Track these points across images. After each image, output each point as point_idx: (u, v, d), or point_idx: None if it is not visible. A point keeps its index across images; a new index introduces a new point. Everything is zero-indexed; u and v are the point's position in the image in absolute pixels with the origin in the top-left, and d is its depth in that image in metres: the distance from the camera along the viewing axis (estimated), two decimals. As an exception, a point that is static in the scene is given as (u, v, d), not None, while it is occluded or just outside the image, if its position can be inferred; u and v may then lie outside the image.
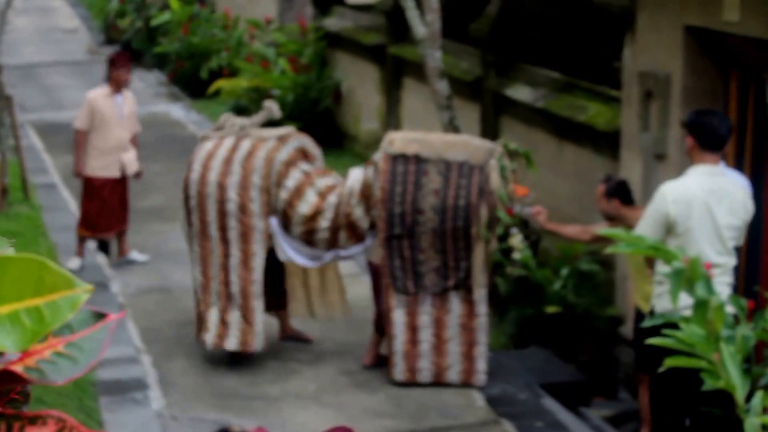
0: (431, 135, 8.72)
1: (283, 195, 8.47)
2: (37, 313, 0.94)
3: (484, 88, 12.08)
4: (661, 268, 6.69)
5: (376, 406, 8.09)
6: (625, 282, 9.03)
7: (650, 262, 6.87)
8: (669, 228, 6.67)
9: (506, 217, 8.04)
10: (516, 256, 8.27)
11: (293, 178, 8.49)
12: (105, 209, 10.68)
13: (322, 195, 8.46)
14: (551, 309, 9.14)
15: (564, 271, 9.33)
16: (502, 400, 8.21)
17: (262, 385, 8.46)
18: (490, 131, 12.12)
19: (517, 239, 8.14)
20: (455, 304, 8.23)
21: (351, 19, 15.86)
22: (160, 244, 11.52)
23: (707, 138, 6.68)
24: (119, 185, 10.75)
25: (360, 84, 15.27)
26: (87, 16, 27.05)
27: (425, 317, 8.27)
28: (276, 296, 9.03)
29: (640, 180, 8.70)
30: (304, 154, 8.68)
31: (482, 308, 8.26)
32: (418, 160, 8.21)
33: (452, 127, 10.19)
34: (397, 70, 14.18)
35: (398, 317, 8.29)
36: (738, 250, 7.45)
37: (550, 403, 8.25)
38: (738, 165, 8.06)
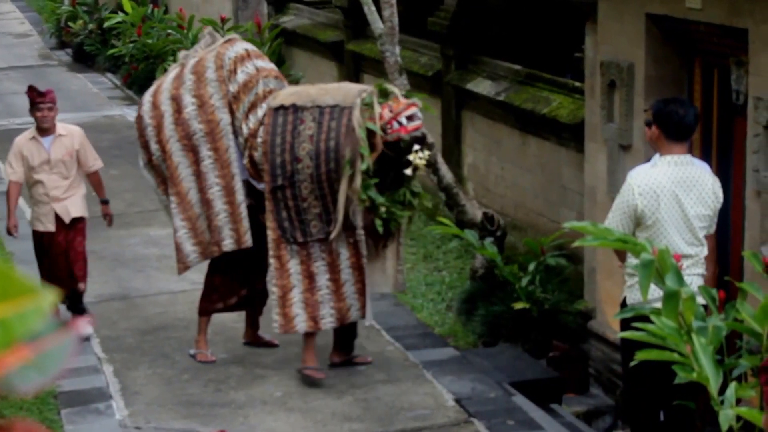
0: (310, 86, 8.72)
1: (232, 88, 8.43)
2: (2, 322, 0.93)
3: (444, 82, 11.95)
4: (632, 260, 6.58)
5: (344, 410, 7.94)
6: (593, 275, 8.92)
7: (621, 255, 6.77)
8: (637, 220, 6.59)
9: (367, 151, 7.86)
10: (422, 172, 8.14)
11: (243, 72, 8.46)
12: (51, 265, 9.23)
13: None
14: (519, 305, 9.01)
15: (531, 267, 9.20)
16: (473, 400, 8.07)
17: (227, 392, 8.29)
18: (451, 126, 11.99)
19: (416, 156, 7.97)
20: (342, 247, 8.16)
21: (307, 17, 15.70)
22: (119, 250, 11.31)
23: (673, 128, 6.59)
24: (60, 238, 9.18)
25: (318, 81, 15.06)
26: (38, 20, 26.75)
27: (319, 263, 8.20)
28: (251, 292, 8.86)
29: (605, 171, 8.59)
30: (257, 56, 8.69)
31: (363, 249, 8.16)
32: (296, 109, 8.20)
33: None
34: (355, 67, 14.02)
35: (293, 267, 8.22)
36: (723, 239, 7.37)
37: (522, 401, 8.12)
38: (705, 152, 7.97)
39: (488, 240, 9.56)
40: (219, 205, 8.46)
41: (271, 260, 8.29)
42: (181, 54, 9.09)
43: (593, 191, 8.88)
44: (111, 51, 19.23)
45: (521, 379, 8.48)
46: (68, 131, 9.30)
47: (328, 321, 8.29)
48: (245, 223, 8.43)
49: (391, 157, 8.03)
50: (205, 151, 8.45)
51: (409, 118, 8.01)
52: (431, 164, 10.04)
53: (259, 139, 8.27)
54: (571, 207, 9.91)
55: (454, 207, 10.05)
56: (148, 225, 12.07)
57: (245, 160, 8.43)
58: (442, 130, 12.05)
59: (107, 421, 7.89)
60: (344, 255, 8.19)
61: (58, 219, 9.15)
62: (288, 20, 15.90)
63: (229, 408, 8.03)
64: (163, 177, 8.67)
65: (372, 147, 7.95)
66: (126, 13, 18.64)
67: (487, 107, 11.30)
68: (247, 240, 8.42)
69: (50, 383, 0.94)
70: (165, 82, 8.70)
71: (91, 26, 20.75)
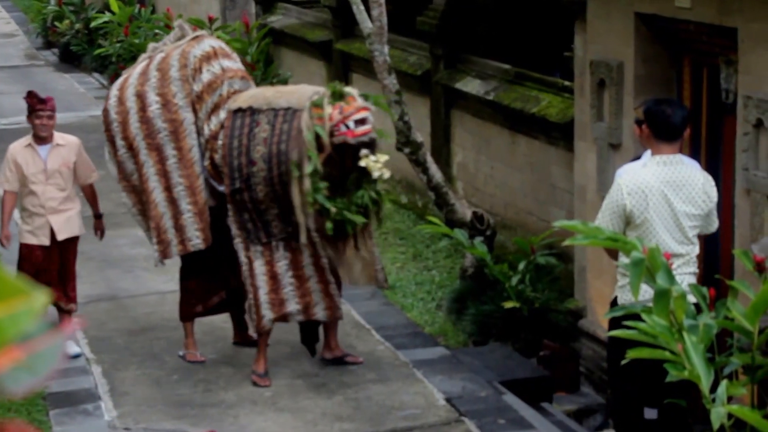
0: (270, 88, 8.72)
1: (196, 88, 8.41)
2: None
3: (433, 81, 11.95)
4: (623, 259, 6.58)
5: (334, 410, 7.92)
6: (583, 274, 8.92)
7: (613, 254, 6.77)
8: (627, 219, 6.59)
9: (314, 155, 7.79)
10: (375, 175, 7.98)
11: (209, 72, 8.44)
12: (40, 281, 8.25)
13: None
14: (509, 304, 9.01)
15: (521, 266, 9.20)
16: (463, 399, 8.06)
17: (217, 392, 8.26)
18: (440, 125, 11.99)
19: (368, 160, 7.91)
20: (304, 246, 8.15)
21: (295, 16, 15.68)
22: (107, 251, 11.27)
23: (662, 127, 6.59)
24: (54, 254, 8.80)
25: (307, 81, 15.05)
26: (24, 20, 26.67)
27: (282, 263, 8.20)
28: (229, 293, 8.83)
29: (595, 170, 8.59)
30: (224, 55, 8.64)
31: (320, 250, 8.15)
32: (252, 111, 8.20)
33: (403, 122, 10.04)
34: (344, 66, 14.00)
35: (258, 268, 8.23)
36: (713, 237, 7.37)
37: (512, 400, 8.11)
38: (694, 151, 7.98)
39: (478, 239, 9.55)
40: (183, 204, 8.46)
41: (242, 262, 8.31)
42: (150, 46, 9.06)
43: (583, 190, 8.88)
44: (98, 51, 19.18)
45: (512, 378, 8.48)
46: (66, 141, 8.89)
47: (296, 317, 8.29)
48: (208, 223, 8.45)
49: (348, 159, 7.98)
50: (170, 150, 8.46)
51: (359, 123, 7.92)
52: (420, 163, 10.04)
53: (220, 142, 8.28)
54: (561, 206, 9.91)
55: (444, 206, 10.04)
56: (136, 225, 12.01)
57: (206, 162, 8.43)
58: (432, 130, 12.04)
59: (96, 422, 7.86)
60: (307, 253, 8.19)
61: (52, 233, 8.75)
62: (276, 20, 15.88)
63: (219, 408, 8.01)
64: (125, 174, 8.70)
65: (321, 149, 7.89)
66: (113, 13, 18.59)
67: (477, 106, 11.30)
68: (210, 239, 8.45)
69: (41, 384, 0.93)
70: (131, 76, 8.70)
71: (77, 26, 20.69)
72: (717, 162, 7.87)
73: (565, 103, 9.90)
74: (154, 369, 8.68)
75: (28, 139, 8.84)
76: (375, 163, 7.92)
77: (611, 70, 8.30)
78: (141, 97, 8.50)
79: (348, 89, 8.18)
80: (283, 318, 8.30)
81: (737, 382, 5.37)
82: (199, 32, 8.87)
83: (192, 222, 8.44)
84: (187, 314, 8.84)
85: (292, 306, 8.25)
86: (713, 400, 5.09)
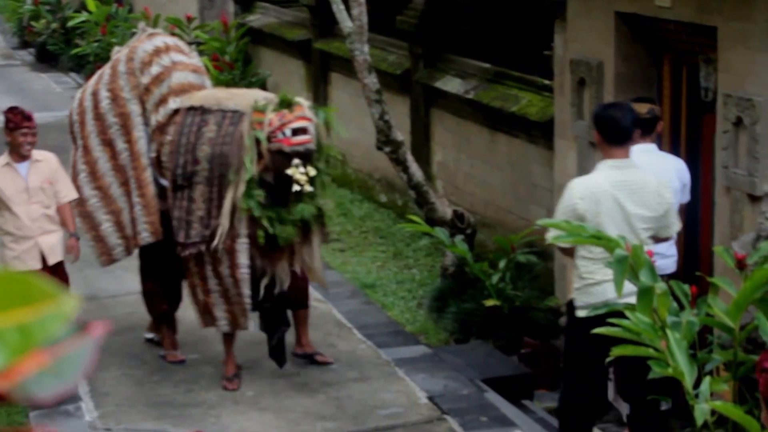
0: (224, 89, 8.76)
1: (144, 80, 8.44)
2: (22, 327, 0.90)
3: (413, 80, 11.96)
4: (582, 261, 6.59)
5: (317, 409, 7.92)
6: (563, 272, 8.94)
7: (569, 252, 6.77)
8: (580, 223, 6.59)
9: (251, 164, 7.75)
10: (295, 188, 7.79)
11: (158, 65, 8.46)
12: None
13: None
14: (490, 302, 9.03)
15: (502, 264, 9.22)
16: (445, 397, 8.08)
17: (199, 392, 8.25)
18: (420, 124, 12.00)
19: (296, 170, 7.75)
20: (224, 255, 8.04)
21: (274, 15, 15.66)
22: (87, 251, 11.22)
23: (610, 132, 6.61)
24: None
25: (286, 80, 15.08)
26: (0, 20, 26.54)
27: (208, 267, 8.16)
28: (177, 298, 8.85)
29: (575, 168, 8.62)
30: (177, 50, 8.67)
31: (242, 259, 7.97)
32: (203, 111, 8.21)
33: (383, 122, 10.04)
34: (323, 66, 14.00)
35: (192, 268, 8.23)
36: (693, 235, 7.41)
37: (494, 398, 8.13)
38: (674, 148, 8.02)
39: (458, 238, 9.57)
40: (134, 197, 8.48)
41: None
42: (115, 49, 9.14)
43: (563, 188, 8.88)
44: (75, 50, 19.11)
45: (493, 376, 8.50)
46: (44, 157, 8.38)
47: (223, 325, 8.27)
48: (158, 215, 8.45)
49: (285, 169, 7.84)
50: (121, 144, 8.51)
51: (298, 132, 7.78)
52: (401, 162, 10.05)
53: (169, 137, 8.30)
54: (541, 204, 9.94)
55: (424, 205, 10.05)
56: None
57: (152, 154, 8.46)
58: (411, 129, 12.06)
59: (77, 423, 7.83)
60: (225, 264, 8.05)
61: (41, 257, 8.33)
62: (255, 19, 15.86)
63: (200, 408, 8.00)
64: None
65: (262, 156, 7.82)
66: (90, 12, 18.53)
67: (456, 105, 11.32)
68: (160, 231, 8.42)
69: (69, 390, 0.91)
70: (93, 78, 8.84)
71: (54, 25, 20.61)
72: (696, 160, 7.91)
73: (544, 101, 9.93)
74: (135, 369, 8.66)
75: (4, 158, 8.30)
76: (302, 175, 7.76)
77: (591, 69, 8.34)
78: (95, 95, 8.60)
79: (298, 99, 8.06)
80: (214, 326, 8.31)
81: (719, 378, 5.41)
82: (154, 30, 8.90)
83: (141, 215, 8.42)
84: (155, 313, 8.86)
85: (219, 312, 8.22)
86: (696, 397, 5.12)
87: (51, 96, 18.86)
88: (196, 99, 8.31)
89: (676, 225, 6.76)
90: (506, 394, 8.26)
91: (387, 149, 10.11)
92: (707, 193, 7.57)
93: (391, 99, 11.66)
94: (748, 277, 5.24)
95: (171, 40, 8.77)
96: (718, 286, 5.56)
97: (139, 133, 8.46)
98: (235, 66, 15.14)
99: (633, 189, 6.57)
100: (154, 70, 8.44)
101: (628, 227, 6.48)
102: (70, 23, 19.28)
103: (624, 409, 7.32)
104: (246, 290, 8.03)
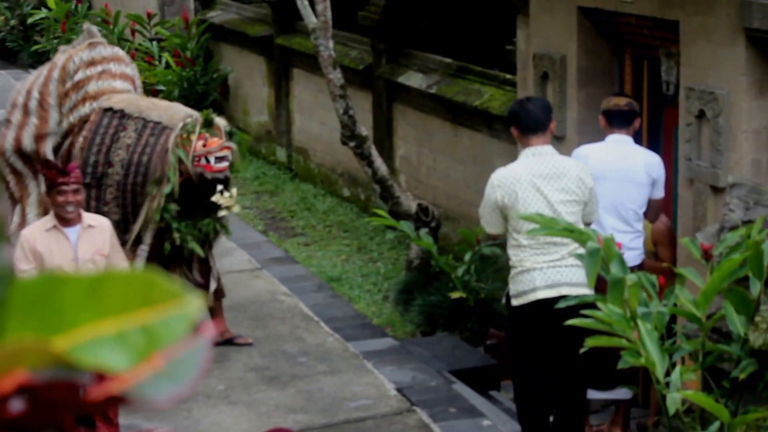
0: (144, 98, 8.85)
1: (67, 86, 8.53)
2: (146, 328, 0.88)
3: (375, 76, 12.04)
4: (512, 250, 6.69)
5: (287, 402, 8.00)
6: (528, 264, 9.06)
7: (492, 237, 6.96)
8: (502, 211, 6.70)
9: (174, 176, 7.97)
10: (221, 213, 8.27)
11: (83, 72, 8.54)
12: None
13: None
14: (455, 294, 9.13)
15: (467, 256, 9.32)
16: (414, 389, 8.17)
17: (169, 387, 8.29)
18: (382, 119, 12.09)
19: (221, 197, 8.15)
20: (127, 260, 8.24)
21: (235, 11, 15.69)
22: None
23: (524, 121, 6.79)
24: None
25: (247, 76, 15.11)
26: (-43, 16, 26.31)
27: None
28: None
29: (539, 162, 8.73)
30: (115, 60, 8.75)
31: (140, 265, 8.21)
32: (123, 115, 8.37)
33: (348, 116, 10.12)
34: (285, 61, 14.05)
35: None
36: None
37: (462, 389, 8.24)
38: (635, 141, 8.13)
39: (423, 231, 9.67)
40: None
41: None
42: (61, 48, 9.25)
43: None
44: (34, 47, 19.02)
45: (460, 368, 8.60)
46: (98, 223, 7.09)
47: None
48: None
49: (202, 188, 8.15)
50: (31, 146, 8.59)
51: (219, 160, 8.14)
52: (365, 157, 10.13)
53: (81, 136, 8.41)
54: (505, 197, 10.04)
55: (389, 199, 10.15)
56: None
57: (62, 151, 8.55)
58: (374, 123, 12.14)
59: (49, 419, 7.86)
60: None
61: None
62: (215, 15, 15.88)
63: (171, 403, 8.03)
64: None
65: (181, 173, 8.09)
66: (49, 9, 18.46)
67: (419, 100, 11.41)
68: None
69: (183, 393, 0.89)
70: (32, 75, 8.97)
71: (13, 22, 20.50)
72: (657, 152, 8.04)
73: (507, 96, 10.04)
74: (105, 365, 8.68)
75: (50, 220, 7.01)
76: (227, 200, 8.17)
77: (554, 63, 8.45)
78: (29, 93, 8.69)
79: (218, 120, 8.34)
80: None
81: (687, 367, 5.53)
82: (96, 39, 8.92)
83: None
84: None
85: None
86: (667, 386, 5.24)
87: (10, 93, 18.73)
88: (115, 102, 8.44)
89: (597, 212, 6.87)
90: (473, 385, 8.36)
91: (352, 144, 10.19)
92: (668, 185, 7.71)
93: (353, 94, 11.73)
94: (715, 268, 5.36)
95: (109, 52, 8.83)
96: (684, 276, 5.69)
97: (49, 140, 8.56)
98: (197, 62, 15.15)
99: (552, 175, 6.68)
100: (78, 77, 8.57)
101: (552, 213, 6.50)
102: (30, 20, 19.19)
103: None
104: None
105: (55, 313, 0.87)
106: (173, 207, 8.07)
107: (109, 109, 8.38)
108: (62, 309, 0.87)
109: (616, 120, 7.32)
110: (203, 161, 8.10)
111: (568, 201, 6.67)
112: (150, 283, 0.89)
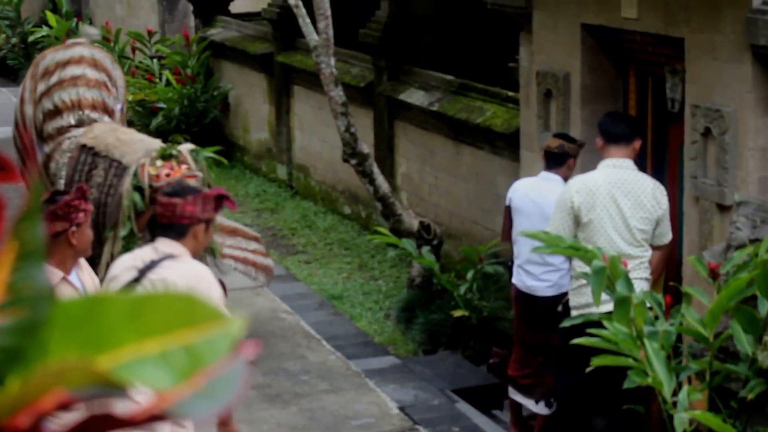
0: (115, 132, 8.57)
1: (42, 87, 8.48)
2: (189, 348, 0.89)
3: (376, 93, 12.01)
4: (578, 262, 6.68)
5: (289, 420, 7.94)
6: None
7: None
8: (575, 218, 6.76)
9: (129, 223, 7.81)
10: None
11: (57, 75, 8.46)
12: None
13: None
14: (458, 313, 9.08)
15: (469, 275, 9.27)
16: (416, 407, 8.12)
17: (170, 405, 8.23)
18: (384, 136, 12.06)
19: None
20: None
21: (235, 29, 15.68)
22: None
23: (606, 131, 6.94)
24: None
25: (248, 93, 15.09)
26: (-43, 34, 26.32)
27: None
28: None
29: (542, 180, 8.69)
30: (92, 64, 8.66)
31: None
32: (95, 153, 8.31)
33: (349, 134, 10.09)
34: (285, 79, 14.03)
35: None
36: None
37: (465, 408, 8.19)
38: (640, 159, 8.09)
39: (425, 249, 9.62)
40: None
41: None
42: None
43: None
44: (34, 64, 19.00)
45: (463, 386, 8.55)
46: (83, 263, 6.08)
47: None
48: None
49: None
50: (20, 143, 8.71)
51: None
52: (367, 174, 10.09)
53: (63, 172, 8.34)
54: (507, 215, 9.99)
55: (391, 217, 10.10)
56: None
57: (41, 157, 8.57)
58: (375, 141, 12.10)
59: None
60: None
61: None
62: (216, 32, 15.86)
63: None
64: None
65: (153, 201, 7.85)
66: (50, 27, 18.45)
67: (421, 117, 11.37)
68: None
69: (222, 411, 0.91)
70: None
71: (14, 40, 20.51)
72: (662, 170, 8.00)
73: (509, 113, 10.01)
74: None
75: (53, 271, 6.01)
76: None
77: (558, 81, 8.42)
78: (22, 100, 8.78)
79: (181, 148, 8.10)
80: None
81: (694, 387, 5.48)
82: (76, 39, 8.89)
83: None
84: None
85: None
86: (675, 406, 5.19)
87: (11, 110, 18.72)
88: (89, 138, 8.35)
89: (669, 234, 6.93)
90: (476, 404, 8.31)
91: (353, 162, 10.15)
92: (674, 203, 7.66)
93: (354, 112, 11.70)
94: (723, 287, 5.31)
95: (90, 52, 8.72)
96: (691, 295, 5.64)
97: (32, 134, 8.61)
98: (197, 80, 15.14)
99: (630, 189, 6.76)
100: (53, 79, 8.52)
101: (624, 225, 6.66)
102: (31, 38, 19.18)
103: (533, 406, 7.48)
104: None
105: (98, 333, 0.89)
106: (136, 240, 7.79)
107: (85, 146, 8.30)
108: (105, 329, 0.89)
109: (549, 161, 7.52)
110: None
111: (641, 217, 6.74)
112: (192, 303, 0.91)
